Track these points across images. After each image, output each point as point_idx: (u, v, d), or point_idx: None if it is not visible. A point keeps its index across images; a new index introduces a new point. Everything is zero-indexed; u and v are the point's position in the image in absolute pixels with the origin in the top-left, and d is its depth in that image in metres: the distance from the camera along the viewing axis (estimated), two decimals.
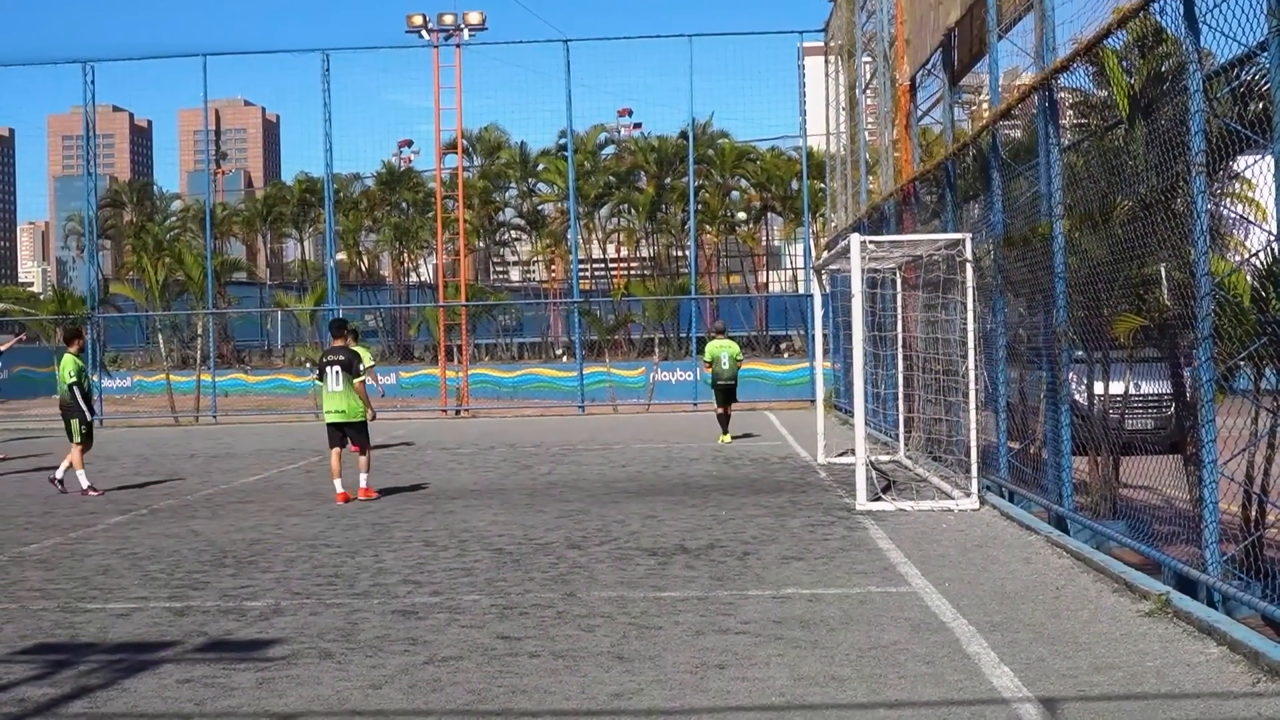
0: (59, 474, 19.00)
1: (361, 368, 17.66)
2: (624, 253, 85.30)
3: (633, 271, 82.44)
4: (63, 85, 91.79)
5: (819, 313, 22.97)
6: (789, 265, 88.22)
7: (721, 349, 25.01)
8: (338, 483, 17.07)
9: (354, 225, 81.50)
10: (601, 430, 30.22)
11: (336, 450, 17.34)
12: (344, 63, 44.27)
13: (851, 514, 14.54)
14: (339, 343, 17.74)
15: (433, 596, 10.33)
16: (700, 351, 41.70)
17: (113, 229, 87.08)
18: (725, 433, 25.37)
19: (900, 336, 19.87)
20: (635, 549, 12.44)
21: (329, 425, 17.42)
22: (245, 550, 13.00)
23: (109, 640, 9.05)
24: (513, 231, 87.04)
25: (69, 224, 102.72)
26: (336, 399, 17.24)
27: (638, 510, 15.34)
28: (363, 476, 17.29)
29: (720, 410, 25.50)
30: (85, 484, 18.53)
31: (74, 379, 18.90)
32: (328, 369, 17.23)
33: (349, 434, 17.34)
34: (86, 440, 18.96)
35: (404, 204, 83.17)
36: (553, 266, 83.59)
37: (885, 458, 20.03)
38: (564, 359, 61.14)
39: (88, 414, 19.04)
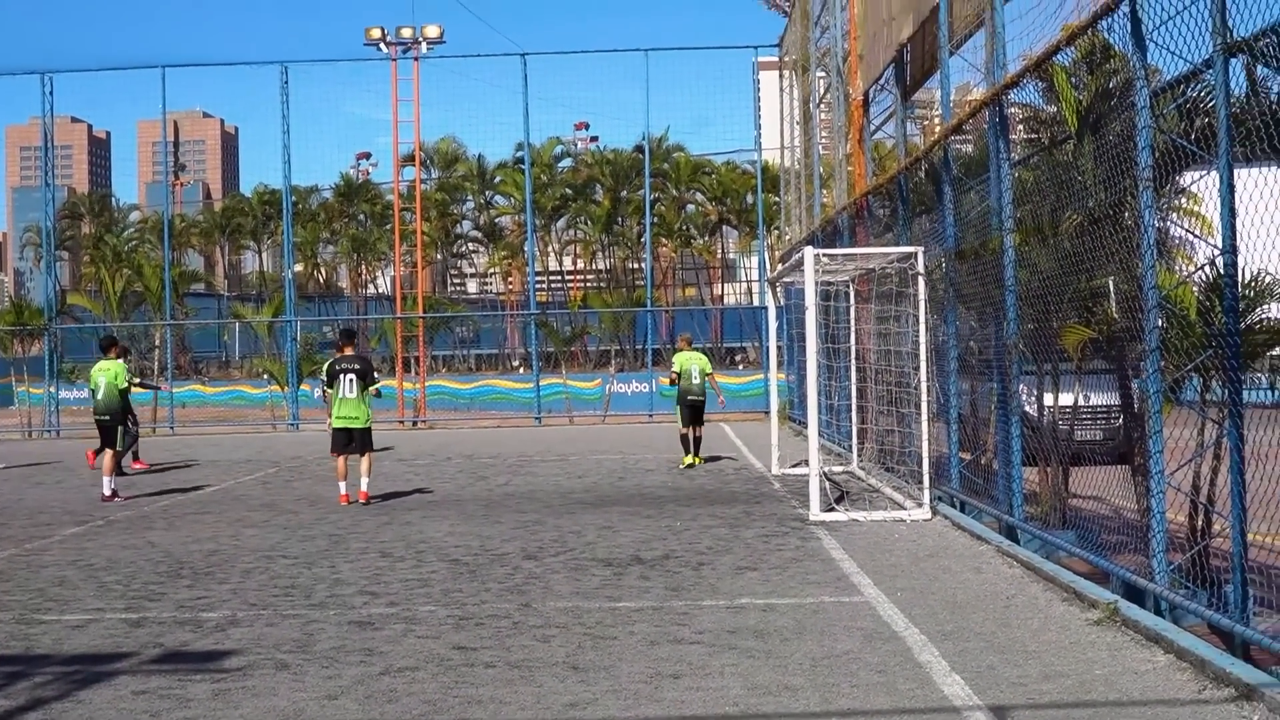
0: (111, 485, 18.95)
1: (376, 375, 18.22)
2: (580, 265, 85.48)
3: (589, 284, 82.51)
4: (21, 96, 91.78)
5: (773, 325, 22.97)
6: (744, 278, 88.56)
7: (691, 361, 22.43)
8: (342, 485, 17.75)
9: (312, 237, 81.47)
10: (558, 441, 30.19)
11: (343, 456, 17.81)
12: (303, 75, 43.94)
13: (805, 524, 14.61)
14: (349, 350, 18.13)
15: (389, 607, 10.34)
16: (656, 363, 41.85)
17: (71, 240, 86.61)
18: (689, 454, 22.31)
19: (854, 349, 19.99)
20: (591, 560, 12.48)
21: (336, 430, 17.80)
22: (202, 561, 12.97)
23: (64, 651, 9.02)
24: (470, 244, 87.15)
25: (26, 235, 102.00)
26: (349, 405, 17.65)
27: (593, 521, 15.38)
28: (364, 480, 17.69)
29: (684, 431, 22.37)
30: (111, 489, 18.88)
31: (134, 378, 19.38)
32: (341, 376, 17.61)
33: (356, 439, 17.76)
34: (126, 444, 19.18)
35: (362, 216, 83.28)
36: (509, 278, 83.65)
37: (839, 469, 20.13)
38: (520, 370, 61.10)
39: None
